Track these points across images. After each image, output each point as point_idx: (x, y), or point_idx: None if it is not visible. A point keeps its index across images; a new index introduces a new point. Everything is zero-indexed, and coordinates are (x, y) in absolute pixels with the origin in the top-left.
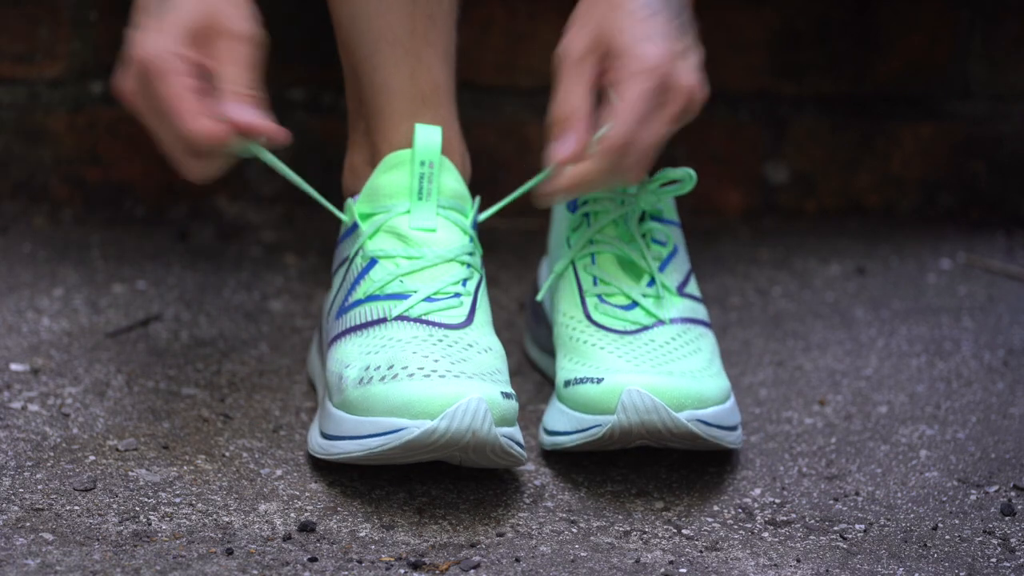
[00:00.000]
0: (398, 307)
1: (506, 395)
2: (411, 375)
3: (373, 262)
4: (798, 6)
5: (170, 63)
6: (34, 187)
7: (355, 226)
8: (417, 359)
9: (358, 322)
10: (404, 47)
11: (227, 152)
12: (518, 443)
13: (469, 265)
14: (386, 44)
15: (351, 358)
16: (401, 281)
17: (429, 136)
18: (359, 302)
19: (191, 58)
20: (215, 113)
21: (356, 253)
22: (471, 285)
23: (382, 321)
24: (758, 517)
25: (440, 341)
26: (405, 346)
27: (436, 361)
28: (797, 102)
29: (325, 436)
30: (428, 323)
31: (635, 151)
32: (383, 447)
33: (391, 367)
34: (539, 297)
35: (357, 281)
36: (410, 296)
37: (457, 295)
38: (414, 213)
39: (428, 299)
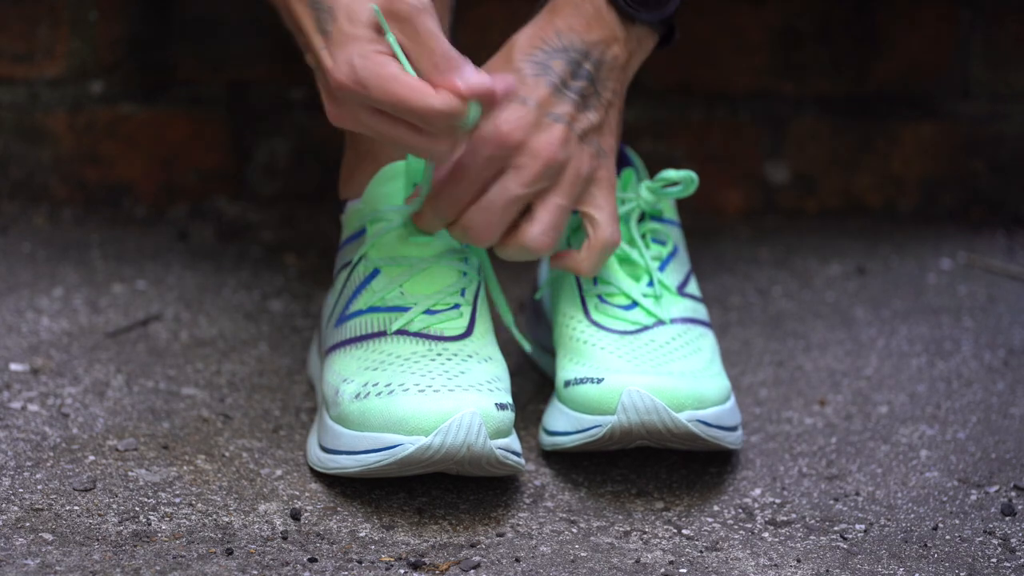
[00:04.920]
0: (398, 321)
1: (500, 406)
2: (406, 390)
3: (376, 272)
4: (799, 6)
5: (379, 61)
6: (34, 187)
7: (362, 231)
8: (415, 378)
9: (357, 333)
10: None
11: (464, 122)
12: (515, 452)
13: (465, 273)
14: None
15: (349, 372)
16: (402, 292)
17: None
18: (360, 312)
19: (385, 50)
20: (444, 84)
21: (359, 260)
22: (469, 294)
23: (381, 335)
24: (758, 517)
25: (439, 355)
26: (403, 364)
27: (434, 378)
28: (797, 102)
29: (323, 449)
30: (428, 337)
31: (448, 206)
32: (379, 463)
33: (388, 384)
34: (538, 296)
35: (359, 290)
36: (410, 309)
37: (456, 306)
38: (411, 226)
39: (428, 311)
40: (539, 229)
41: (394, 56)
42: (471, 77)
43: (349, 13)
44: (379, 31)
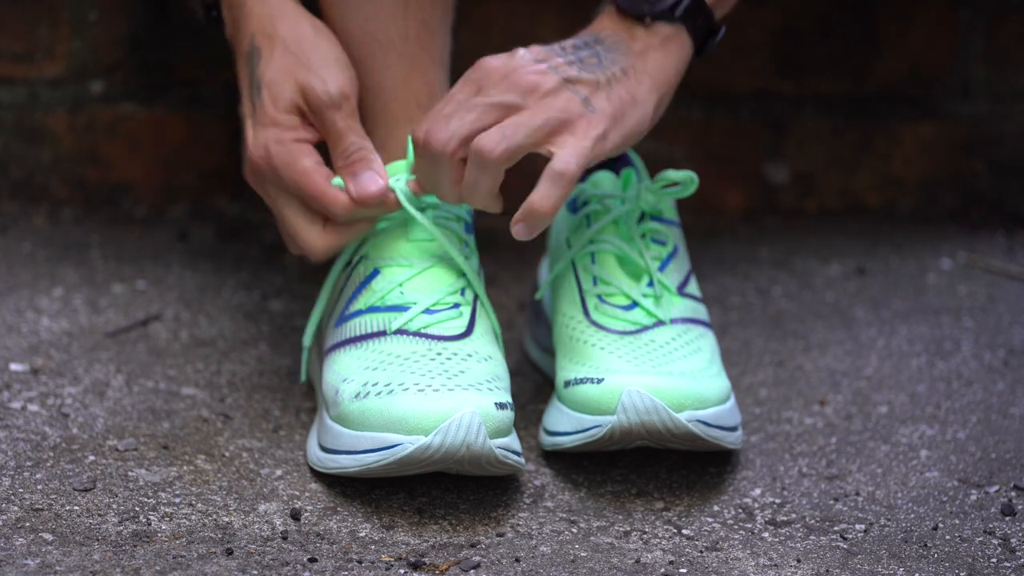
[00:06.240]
0: (398, 320)
1: (500, 405)
2: (406, 389)
3: (375, 272)
4: (798, 6)
5: (294, 151)
6: (34, 187)
7: None
8: (415, 377)
9: (358, 333)
10: (397, 51)
11: (364, 218)
12: (515, 452)
13: (465, 274)
14: (379, 48)
15: (350, 372)
16: (401, 291)
17: None
18: (359, 312)
19: (305, 136)
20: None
21: (359, 260)
22: (469, 294)
23: (381, 334)
24: (758, 517)
25: (439, 355)
26: (403, 364)
27: (433, 378)
28: (797, 102)
29: (323, 449)
30: (427, 336)
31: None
32: (379, 463)
33: (388, 384)
34: (538, 296)
35: (359, 290)
36: (410, 308)
37: (456, 305)
38: (412, 227)
39: (427, 311)
40: (488, 134)
41: (311, 145)
42: (364, 184)
43: (273, 94)
44: (300, 115)
